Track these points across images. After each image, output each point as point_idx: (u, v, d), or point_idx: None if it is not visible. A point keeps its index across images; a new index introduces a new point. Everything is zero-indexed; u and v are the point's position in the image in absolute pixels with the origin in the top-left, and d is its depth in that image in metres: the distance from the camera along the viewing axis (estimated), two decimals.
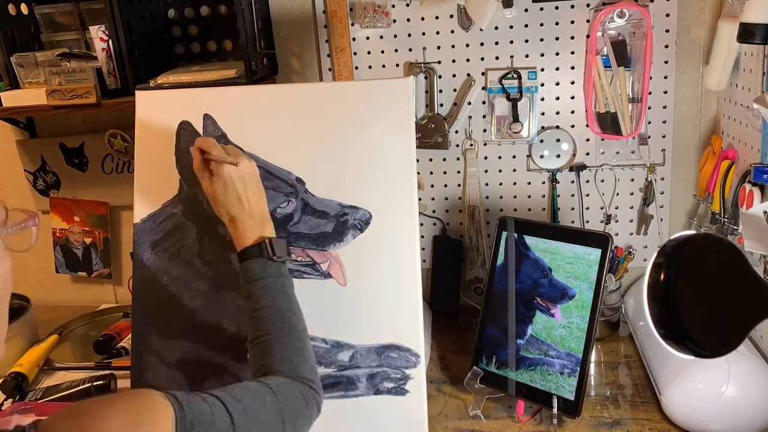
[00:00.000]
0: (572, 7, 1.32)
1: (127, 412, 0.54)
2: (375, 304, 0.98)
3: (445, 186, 1.47)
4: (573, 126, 1.39)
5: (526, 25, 1.34)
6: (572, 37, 1.33)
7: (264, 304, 0.87)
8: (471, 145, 1.43)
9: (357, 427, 1.03)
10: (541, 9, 1.33)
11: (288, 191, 1.05)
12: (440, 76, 1.39)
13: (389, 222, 1.03)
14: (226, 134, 1.08)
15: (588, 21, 1.32)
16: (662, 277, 0.89)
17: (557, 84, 1.37)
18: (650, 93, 1.32)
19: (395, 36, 1.39)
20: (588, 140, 1.39)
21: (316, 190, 1.06)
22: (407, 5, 1.36)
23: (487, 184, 1.45)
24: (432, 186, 1.47)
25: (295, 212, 1.06)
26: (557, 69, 1.36)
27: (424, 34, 1.38)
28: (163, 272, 1.08)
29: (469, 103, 1.40)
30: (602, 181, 1.41)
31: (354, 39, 1.40)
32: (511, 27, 1.35)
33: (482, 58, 1.37)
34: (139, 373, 1.08)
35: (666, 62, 1.32)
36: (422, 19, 1.37)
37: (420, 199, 1.47)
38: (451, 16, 1.36)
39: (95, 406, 0.54)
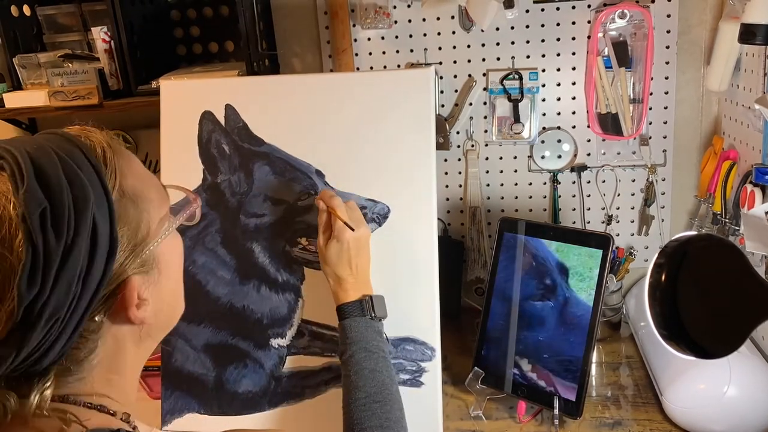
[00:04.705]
0: (573, 8, 1.32)
1: None
2: (391, 297, 0.98)
3: (447, 187, 1.47)
4: (574, 126, 1.39)
5: (528, 26, 1.34)
6: (573, 38, 1.34)
7: (366, 368, 0.88)
8: (472, 145, 1.43)
9: None
10: (542, 10, 1.33)
11: (308, 183, 1.06)
12: (441, 77, 1.40)
13: (407, 216, 1.03)
14: (247, 124, 1.09)
15: (589, 22, 1.32)
16: (663, 277, 0.89)
17: (558, 85, 1.37)
18: (651, 94, 1.32)
19: (396, 37, 1.39)
20: (589, 141, 1.39)
21: (336, 183, 1.06)
22: (408, 6, 1.37)
23: (488, 185, 1.45)
24: None
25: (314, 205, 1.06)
26: (558, 70, 1.36)
27: (425, 35, 1.38)
28: (188, 260, 1.09)
29: (470, 104, 1.40)
30: (603, 181, 1.41)
31: (355, 40, 1.40)
32: (512, 28, 1.35)
33: (483, 59, 1.38)
34: (168, 356, 1.10)
35: (667, 63, 1.32)
36: (423, 20, 1.37)
37: None
38: (452, 17, 1.36)
39: None
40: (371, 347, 0.90)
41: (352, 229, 0.92)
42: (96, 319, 0.56)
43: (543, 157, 1.41)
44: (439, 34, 1.38)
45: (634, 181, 1.40)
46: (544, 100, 1.38)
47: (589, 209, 1.43)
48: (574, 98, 1.37)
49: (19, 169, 0.51)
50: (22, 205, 0.50)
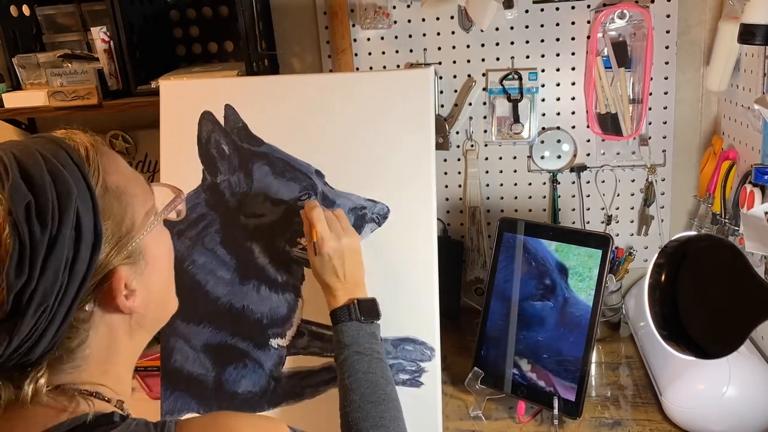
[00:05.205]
0: (573, 8, 1.32)
1: None
2: (391, 298, 0.98)
3: (446, 187, 1.47)
4: (574, 127, 1.39)
5: (527, 26, 1.34)
6: (573, 38, 1.34)
7: (359, 371, 0.88)
8: (472, 145, 1.43)
9: None
10: (542, 10, 1.33)
11: (307, 184, 1.06)
12: (441, 77, 1.40)
13: (407, 216, 1.03)
14: (246, 124, 1.09)
15: (588, 22, 1.32)
16: (663, 277, 0.89)
17: (558, 85, 1.37)
18: (651, 94, 1.33)
19: (396, 37, 1.39)
20: (588, 141, 1.39)
21: (335, 183, 1.06)
22: (408, 6, 1.37)
23: (487, 185, 1.45)
24: None
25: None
26: (558, 70, 1.36)
27: (424, 35, 1.38)
28: (188, 260, 1.09)
29: (470, 104, 1.40)
30: (603, 181, 1.41)
31: (355, 40, 1.40)
32: (512, 28, 1.35)
33: (483, 59, 1.38)
34: (167, 356, 1.10)
35: (666, 63, 1.32)
36: (423, 20, 1.37)
37: None
38: (452, 17, 1.36)
39: (234, 419, 0.61)
40: (363, 349, 0.90)
41: (314, 253, 0.93)
42: (86, 308, 0.58)
43: (542, 157, 1.41)
44: (438, 34, 1.38)
45: (633, 181, 1.40)
46: (543, 100, 1.38)
47: (588, 209, 1.43)
48: (573, 98, 1.37)
49: (4, 167, 0.55)
50: (7, 200, 0.53)
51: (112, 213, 0.59)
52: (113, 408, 0.61)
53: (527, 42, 1.35)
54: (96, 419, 0.58)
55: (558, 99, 1.38)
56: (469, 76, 1.39)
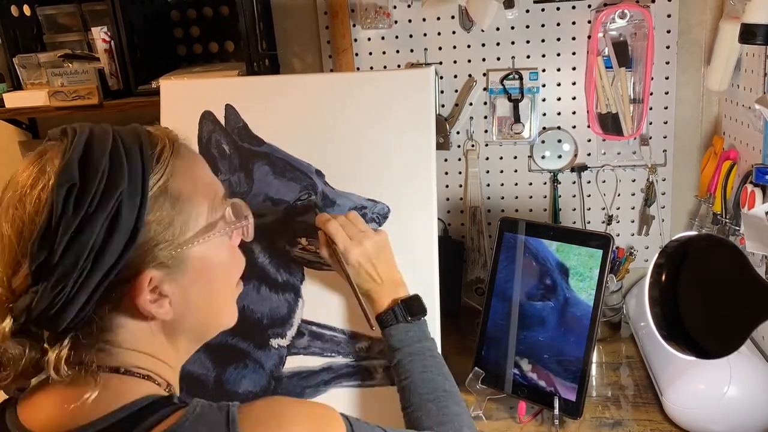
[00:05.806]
0: (573, 8, 1.32)
1: (314, 417, 0.62)
2: None
3: (447, 187, 1.47)
4: (574, 127, 1.39)
5: (528, 26, 1.34)
6: (573, 38, 1.34)
7: (414, 371, 0.88)
8: (472, 145, 1.43)
9: (373, 416, 1.04)
10: (543, 10, 1.33)
11: (308, 183, 1.06)
12: (441, 77, 1.40)
13: (407, 216, 1.03)
14: (247, 124, 1.09)
15: (589, 22, 1.32)
16: (663, 277, 0.89)
17: (558, 85, 1.37)
18: (651, 93, 1.32)
19: (396, 37, 1.39)
20: (589, 141, 1.39)
21: (336, 183, 1.06)
22: (408, 6, 1.37)
23: (488, 185, 1.45)
24: None
25: (315, 205, 1.07)
26: (558, 70, 1.36)
27: (425, 35, 1.38)
28: None
29: (471, 104, 1.40)
30: (603, 181, 1.41)
31: (355, 40, 1.40)
32: (513, 28, 1.35)
33: (483, 59, 1.38)
34: None
35: (667, 63, 1.32)
36: (423, 20, 1.37)
37: None
38: (453, 17, 1.36)
39: (290, 407, 0.62)
40: (415, 350, 0.90)
41: (344, 263, 0.92)
42: (114, 297, 0.59)
43: (543, 157, 1.41)
44: (439, 34, 1.38)
45: (634, 181, 1.40)
46: (544, 100, 1.38)
47: (589, 209, 1.43)
48: (574, 98, 1.37)
49: (71, 143, 0.58)
50: (56, 177, 0.56)
51: (160, 215, 0.59)
52: (163, 392, 0.62)
53: (528, 42, 1.35)
54: (159, 400, 0.60)
55: (559, 99, 1.38)
56: (469, 75, 1.39)
